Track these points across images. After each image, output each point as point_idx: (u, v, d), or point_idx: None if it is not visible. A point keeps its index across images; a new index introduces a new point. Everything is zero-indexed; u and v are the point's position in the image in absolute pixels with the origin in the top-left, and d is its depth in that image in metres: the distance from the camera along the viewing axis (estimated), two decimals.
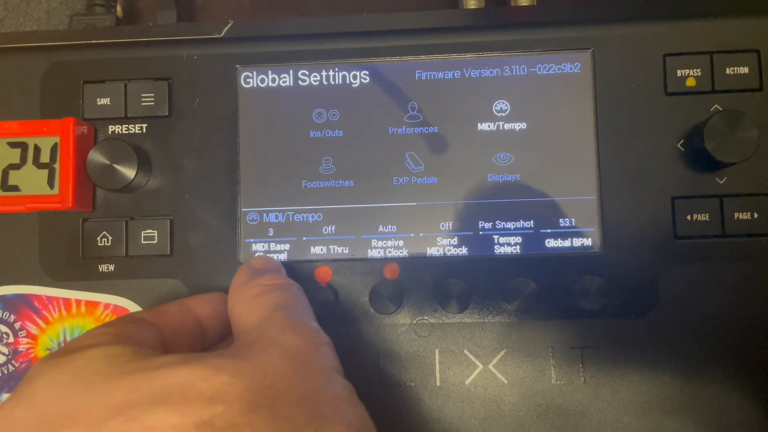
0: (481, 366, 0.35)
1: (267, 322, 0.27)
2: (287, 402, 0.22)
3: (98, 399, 0.21)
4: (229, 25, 0.37)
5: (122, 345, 0.24)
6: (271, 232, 0.36)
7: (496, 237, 0.35)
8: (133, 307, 0.36)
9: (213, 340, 0.31)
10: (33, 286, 0.36)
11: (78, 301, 0.36)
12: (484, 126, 0.35)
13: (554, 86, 0.35)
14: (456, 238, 0.35)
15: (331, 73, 0.36)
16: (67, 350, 0.24)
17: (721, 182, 0.34)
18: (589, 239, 0.35)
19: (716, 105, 0.34)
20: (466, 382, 0.34)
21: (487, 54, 0.36)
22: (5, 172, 0.35)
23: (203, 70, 0.36)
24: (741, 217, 0.34)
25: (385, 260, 0.35)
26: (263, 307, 0.28)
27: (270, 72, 0.36)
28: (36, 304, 0.36)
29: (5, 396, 0.36)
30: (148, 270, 0.36)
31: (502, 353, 0.35)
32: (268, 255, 0.35)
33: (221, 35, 0.37)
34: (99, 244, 0.36)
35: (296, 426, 0.22)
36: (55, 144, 0.34)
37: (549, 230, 0.35)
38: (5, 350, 0.36)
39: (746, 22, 0.35)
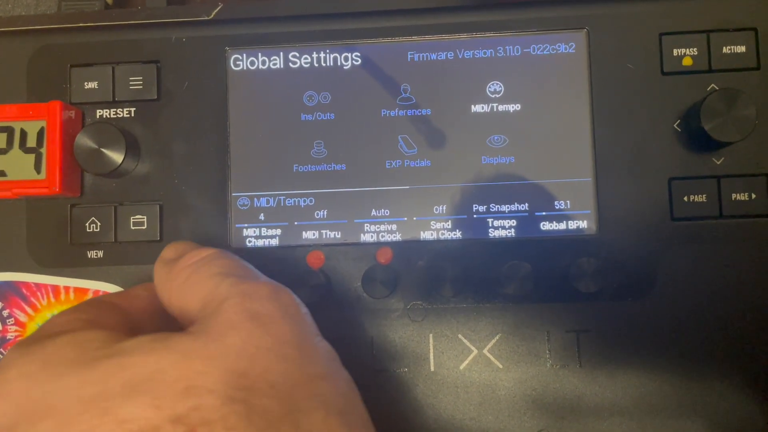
0: (475, 351, 0.34)
1: (218, 292, 0.25)
2: (261, 392, 0.22)
3: (69, 391, 0.21)
4: (219, 7, 0.37)
5: (91, 330, 0.23)
6: (262, 216, 0.35)
7: (490, 220, 0.35)
8: None
9: (181, 324, 0.30)
10: (21, 273, 0.35)
11: (67, 288, 0.35)
12: (477, 108, 0.35)
13: (549, 67, 0.35)
14: (450, 222, 0.35)
15: (322, 55, 0.36)
16: (36, 338, 0.23)
17: (719, 163, 0.34)
18: (585, 221, 0.34)
19: (713, 84, 0.34)
20: (461, 367, 0.34)
21: (481, 34, 0.35)
22: None
23: (192, 53, 0.36)
24: (738, 197, 0.33)
25: (378, 244, 0.35)
26: (203, 281, 0.26)
27: (260, 54, 0.36)
28: (24, 291, 0.35)
29: None
30: (138, 256, 0.35)
31: (497, 338, 0.34)
32: (223, 250, 0.31)
33: (210, 17, 0.36)
34: (87, 230, 0.35)
35: (271, 419, 0.21)
36: (42, 128, 0.34)
37: (544, 213, 0.34)
38: None
39: (743, 0, 0.34)
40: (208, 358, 0.22)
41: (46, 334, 0.23)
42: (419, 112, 0.35)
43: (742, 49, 0.34)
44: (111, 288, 0.35)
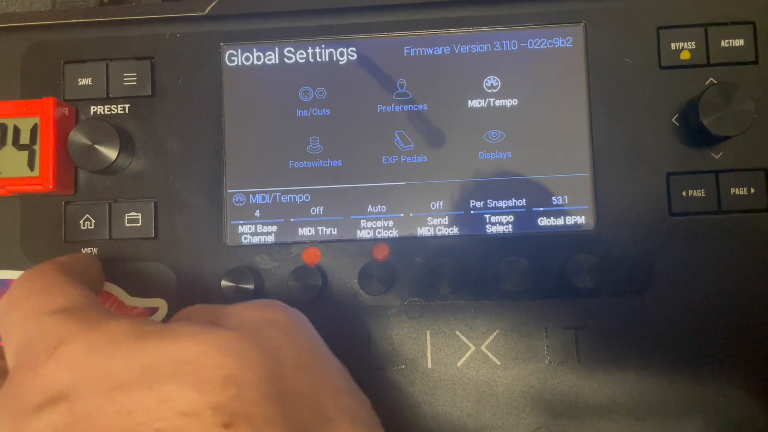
0: (473, 347, 0.34)
1: (224, 311, 0.26)
2: (295, 397, 0.22)
3: (122, 362, 0.22)
4: (214, 2, 0.36)
5: (140, 317, 0.25)
6: (258, 213, 0.35)
7: (487, 216, 0.34)
8: (117, 291, 0.35)
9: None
10: (15, 271, 0.35)
11: None
12: (474, 103, 0.35)
13: (546, 61, 0.35)
14: (447, 218, 0.34)
15: (317, 50, 0.35)
16: (90, 318, 0.24)
17: (717, 157, 0.33)
18: (583, 217, 0.34)
19: (711, 78, 0.34)
20: (458, 364, 0.34)
21: (477, 29, 0.35)
22: None
23: (187, 49, 0.36)
24: (737, 192, 0.33)
25: (375, 241, 0.34)
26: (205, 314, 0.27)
27: (255, 50, 0.35)
28: None
29: None
30: (133, 253, 0.35)
31: (495, 334, 0.34)
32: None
33: (205, 13, 0.36)
34: (82, 228, 0.35)
35: (305, 426, 0.22)
36: (35, 125, 0.34)
37: (541, 208, 0.34)
38: None
39: None
40: (244, 351, 0.22)
41: (102, 317, 0.24)
42: (416, 107, 0.35)
43: (740, 42, 0.34)
44: (106, 286, 0.35)
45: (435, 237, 0.34)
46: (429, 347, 0.34)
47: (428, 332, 0.34)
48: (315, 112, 0.35)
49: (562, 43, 0.35)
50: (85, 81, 0.35)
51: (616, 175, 0.34)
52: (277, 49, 0.35)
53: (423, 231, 0.34)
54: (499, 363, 0.34)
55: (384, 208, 0.35)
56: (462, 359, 0.34)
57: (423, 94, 0.35)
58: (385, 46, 0.35)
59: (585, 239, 0.34)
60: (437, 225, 0.34)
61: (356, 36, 0.35)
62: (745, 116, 0.31)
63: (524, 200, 0.34)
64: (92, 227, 0.35)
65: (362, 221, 0.35)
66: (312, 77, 0.35)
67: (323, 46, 0.35)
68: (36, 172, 0.33)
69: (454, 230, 0.34)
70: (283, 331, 0.25)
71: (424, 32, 0.35)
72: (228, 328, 0.24)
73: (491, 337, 0.34)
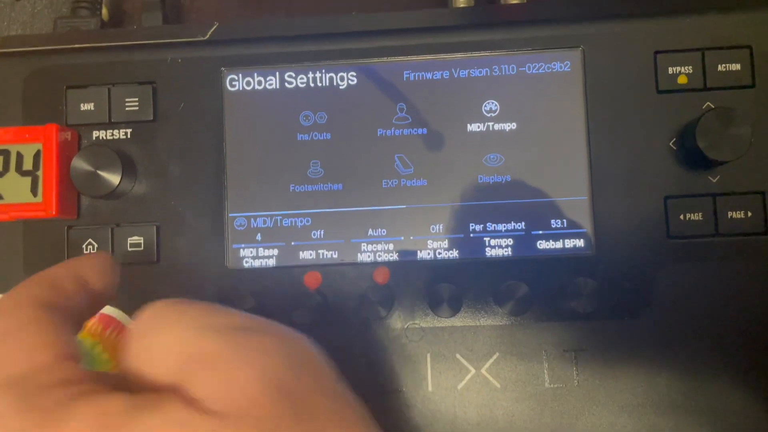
0: (473, 370, 0.34)
1: (201, 346, 0.21)
2: None
3: None
4: (214, 27, 0.37)
5: (106, 396, 0.20)
6: (259, 237, 0.35)
7: (487, 239, 0.35)
8: (119, 315, 0.35)
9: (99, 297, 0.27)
10: None
11: None
12: (473, 126, 0.35)
13: (544, 85, 0.35)
14: (447, 241, 0.35)
15: (317, 74, 0.36)
16: (44, 404, 0.19)
17: (714, 181, 0.34)
18: (582, 240, 0.34)
19: (708, 102, 0.34)
20: (459, 387, 0.34)
21: (476, 53, 0.35)
22: None
23: (188, 74, 0.36)
24: (734, 216, 0.33)
25: (375, 264, 0.35)
26: (169, 342, 0.21)
27: (256, 74, 0.36)
28: None
29: None
30: (135, 277, 0.35)
31: (495, 357, 0.34)
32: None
33: (206, 38, 0.36)
34: (84, 252, 0.35)
35: None
36: (38, 151, 0.34)
37: (540, 232, 0.34)
38: None
39: (738, 18, 0.34)
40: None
41: (62, 397, 0.20)
42: (415, 131, 0.35)
43: (737, 67, 0.34)
44: (108, 310, 0.35)
45: (435, 260, 0.35)
46: (429, 370, 0.34)
47: (428, 355, 0.34)
48: (315, 136, 0.35)
49: (560, 67, 0.35)
50: (87, 106, 0.36)
51: (614, 198, 0.34)
52: (277, 73, 0.36)
53: (423, 254, 0.35)
54: (499, 386, 0.34)
55: (384, 232, 0.35)
56: (462, 382, 0.34)
57: (422, 118, 0.35)
58: (385, 71, 0.35)
59: (584, 262, 0.34)
60: (437, 248, 0.35)
61: (356, 61, 0.35)
62: (741, 141, 0.32)
63: (523, 223, 0.34)
64: (94, 251, 0.35)
65: (363, 245, 0.35)
66: (312, 101, 0.36)
67: (323, 70, 0.36)
68: (39, 198, 0.34)
69: (454, 253, 0.35)
70: (294, 399, 0.20)
71: (424, 57, 0.35)
72: (211, 416, 0.19)
73: (491, 360, 0.34)
